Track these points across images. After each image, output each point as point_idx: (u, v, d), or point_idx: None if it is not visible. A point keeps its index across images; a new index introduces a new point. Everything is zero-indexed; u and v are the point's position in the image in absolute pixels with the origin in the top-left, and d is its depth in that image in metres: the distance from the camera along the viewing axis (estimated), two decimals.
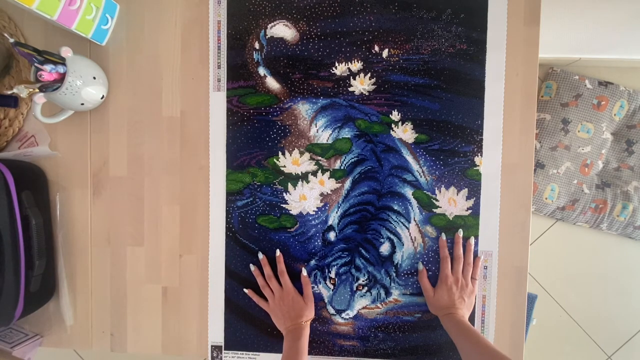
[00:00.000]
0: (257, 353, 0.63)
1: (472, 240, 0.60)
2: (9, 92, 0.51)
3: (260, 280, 0.62)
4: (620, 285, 1.39)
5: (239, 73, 0.61)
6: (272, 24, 0.61)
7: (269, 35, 0.61)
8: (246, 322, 0.63)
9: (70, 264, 0.65)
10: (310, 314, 0.60)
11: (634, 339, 1.40)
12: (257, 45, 0.61)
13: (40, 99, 0.53)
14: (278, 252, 0.62)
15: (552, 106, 1.32)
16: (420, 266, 0.61)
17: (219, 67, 0.62)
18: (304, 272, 0.61)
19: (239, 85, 0.62)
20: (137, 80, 0.63)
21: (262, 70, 0.61)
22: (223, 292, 0.63)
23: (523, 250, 0.60)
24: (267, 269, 0.61)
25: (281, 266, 0.61)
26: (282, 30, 0.61)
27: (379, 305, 0.62)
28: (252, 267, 0.62)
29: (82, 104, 0.58)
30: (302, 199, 0.62)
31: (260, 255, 0.62)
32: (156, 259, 0.64)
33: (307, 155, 0.61)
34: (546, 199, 1.33)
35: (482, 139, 0.60)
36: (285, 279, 0.61)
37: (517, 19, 0.59)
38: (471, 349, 0.51)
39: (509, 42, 0.59)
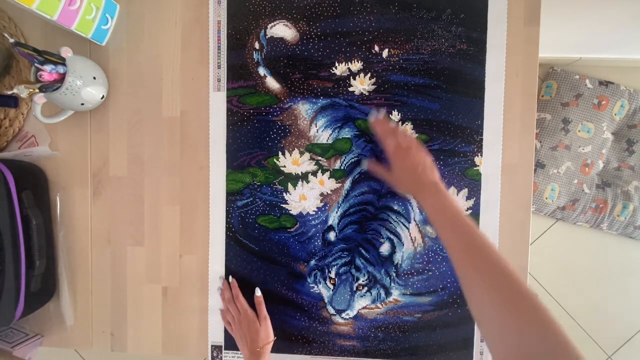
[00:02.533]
0: None
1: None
2: (9, 92, 0.51)
3: (223, 305, 0.62)
4: (620, 285, 1.39)
5: (239, 73, 0.61)
6: (272, 24, 0.61)
7: (269, 35, 0.61)
8: None
9: (70, 264, 0.65)
10: (266, 336, 0.58)
11: (634, 339, 1.40)
12: (257, 45, 0.61)
13: (40, 99, 0.53)
14: (231, 278, 0.62)
15: (552, 106, 1.32)
16: (364, 163, 0.59)
17: (219, 67, 0.62)
18: (258, 292, 0.61)
19: (239, 85, 0.62)
20: (137, 80, 0.63)
21: (262, 70, 0.61)
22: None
23: (523, 250, 0.60)
24: (227, 293, 0.61)
25: (235, 291, 0.61)
26: (282, 30, 0.61)
27: (379, 305, 0.62)
28: (219, 289, 0.63)
29: (82, 104, 0.58)
30: (302, 199, 0.62)
31: (230, 279, 0.62)
32: (156, 259, 0.64)
33: (307, 155, 0.61)
34: (546, 198, 1.33)
35: (482, 139, 0.60)
36: (240, 302, 0.60)
37: (517, 19, 0.58)
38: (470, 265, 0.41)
39: (509, 42, 0.59)
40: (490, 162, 0.60)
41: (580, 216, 1.35)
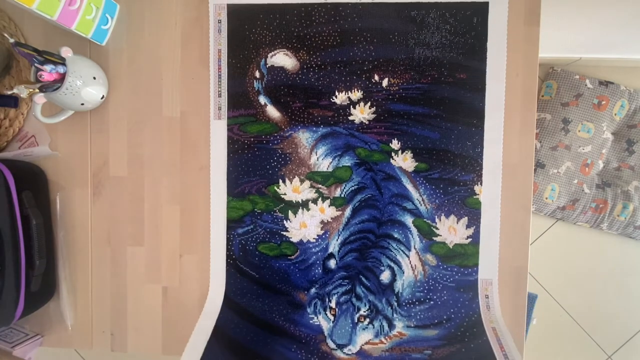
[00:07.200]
0: None
1: None
2: (9, 92, 0.51)
3: None
4: (620, 285, 1.39)
5: (240, 101, 0.61)
6: (273, 53, 0.60)
7: (269, 64, 0.61)
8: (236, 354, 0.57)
9: (70, 264, 0.65)
10: None
11: (634, 339, 1.41)
12: (257, 74, 0.61)
13: (40, 99, 0.53)
14: None
15: (552, 106, 1.32)
16: None
17: (219, 95, 0.61)
18: None
19: (240, 113, 0.61)
20: (137, 80, 0.63)
21: (262, 99, 0.61)
22: (215, 318, 0.58)
23: (523, 250, 0.60)
24: None
25: None
26: (283, 59, 0.60)
27: (383, 339, 0.59)
28: None
29: (82, 104, 0.58)
30: (303, 227, 0.61)
31: None
32: (156, 259, 0.64)
33: (307, 183, 0.61)
34: (546, 198, 1.33)
35: (481, 168, 0.59)
36: None
37: (517, 18, 0.58)
38: None
39: (509, 42, 0.58)
40: (489, 191, 0.59)
41: (580, 216, 1.35)
